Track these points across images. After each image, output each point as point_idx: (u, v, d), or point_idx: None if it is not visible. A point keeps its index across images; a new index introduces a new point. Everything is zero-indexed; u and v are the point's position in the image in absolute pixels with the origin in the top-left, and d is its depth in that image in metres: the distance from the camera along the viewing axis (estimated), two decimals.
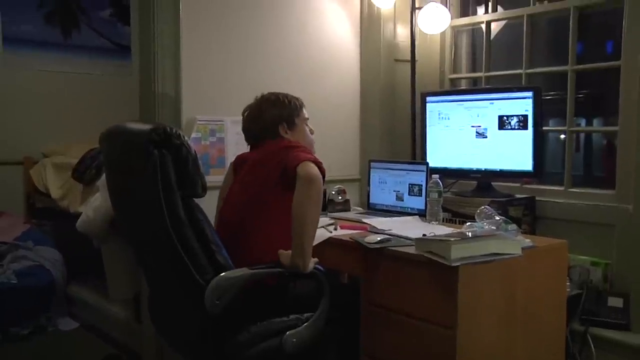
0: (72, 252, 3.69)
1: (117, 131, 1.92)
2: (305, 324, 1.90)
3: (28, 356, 3.05)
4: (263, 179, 2.04)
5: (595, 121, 3.01)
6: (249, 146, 2.28)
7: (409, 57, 3.11)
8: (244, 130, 2.26)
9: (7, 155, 4.13)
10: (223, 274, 1.74)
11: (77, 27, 4.51)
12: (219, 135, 2.71)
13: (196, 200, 1.79)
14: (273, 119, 2.19)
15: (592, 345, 2.33)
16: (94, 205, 3.08)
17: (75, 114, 4.34)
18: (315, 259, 1.91)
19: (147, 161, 1.67)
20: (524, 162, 2.62)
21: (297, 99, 2.28)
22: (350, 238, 2.22)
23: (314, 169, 1.87)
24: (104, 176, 3.11)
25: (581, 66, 2.75)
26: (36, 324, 3.31)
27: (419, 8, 3.05)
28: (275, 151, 2.08)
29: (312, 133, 2.32)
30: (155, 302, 2.12)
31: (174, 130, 1.71)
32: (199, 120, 2.64)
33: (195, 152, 1.75)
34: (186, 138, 1.74)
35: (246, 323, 1.84)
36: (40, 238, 3.75)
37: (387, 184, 2.86)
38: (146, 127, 1.74)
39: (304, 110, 2.29)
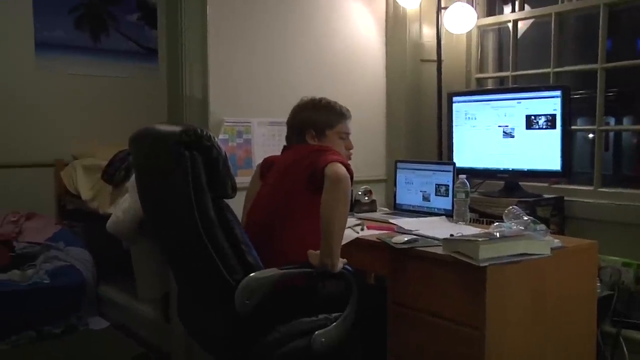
0: (102, 252, 3.76)
1: (146, 133, 1.94)
2: (334, 323, 1.89)
3: (61, 355, 3.11)
4: (292, 181, 2.04)
5: (625, 120, 2.97)
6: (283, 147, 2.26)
7: (435, 57, 3.10)
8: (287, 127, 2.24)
9: (39, 157, 4.22)
10: (253, 274, 1.75)
11: (106, 31, 4.59)
12: (245, 136, 2.73)
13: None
14: (302, 122, 2.17)
15: (624, 348, 2.30)
16: (123, 207, 3.13)
17: (105, 116, 4.41)
18: (344, 260, 1.91)
19: (178, 163, 1.69)
20: (552, 161, 2.59)
21: (344, 110, 2.21)
22: (377, 238, 2.22)
23: (342, 169, 1.86)
24: (133, 177, 3.16)
25: (611, 64, 2.71)
26: (67, 323, 3.38)
27: (445, 8, 3.04)
28: (305, 155, 2.06)
29: (348, 149, 2.23)
30: (184, 302, 2.14)
31: (204, 132, 1.72)
32: (226, 122, 2.67)
33: (225, 153, 1.76)
34: (216, 139, 1.75)
35: (275, 323, 1.84)
36: (71, 239, 3.81)
37: (414, 185, 2.85)
38: (177, 128, 1.75)
39: (345, 124, 2.21)
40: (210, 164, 1.72)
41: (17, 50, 4.21)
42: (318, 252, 1.86)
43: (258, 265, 1.78)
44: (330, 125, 2.18)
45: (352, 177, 1.91)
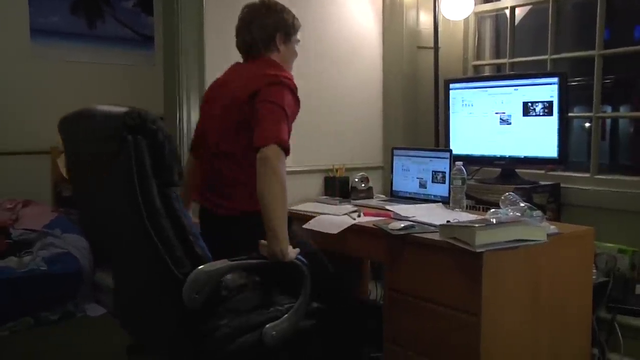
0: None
1: (83, 115, 1.77)
2: (286, 315, 1.82)
3: (58, 341, 3.11)
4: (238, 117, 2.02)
5: (621, 108, 2.97)
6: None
7: (432, 44, 3.09)
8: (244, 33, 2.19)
9: (35, 145, 4.21)
10: (201, 266, 1.64)
11: (101, 18, 4.57)
12: None
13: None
14: (276, 25, 2.14)
15: (619, 333, 2.31)
16: None
17: (100, 103, 4.39)
18: (297, 250, 1.83)
19: (121, 148, 1.55)
20: (549, 148, 2.59)
21: (292, 13, 2.24)
22: (373, 225, 2.23)
23: (275, 159, 1.82)
24: None
25: (609, 50, 2.70)
26: (64, 309, 3.38)
27: None
28: (252, 78, 2.03)
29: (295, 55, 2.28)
30: (124, 301, 2.00)
31: (149, 115, 1.59)
32: None
33: (171, 137, 1.64)
34: (162, 122, 1.62)
35: (225, 316, 1.76)
36: (68, 226, 3.81)
37: (410, 172, 2.86)
38: (119, 110, 1.61)
39: (298, 32, 2.26)
40: (155, 149, 1.58)
41: (12, 37, 4.20)
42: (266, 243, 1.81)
43: (206, 257, 1.67)
44: (295, 31, 2.21)
45: (288, 151, 1.89)
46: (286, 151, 1.89)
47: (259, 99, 1.96)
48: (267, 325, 1.78)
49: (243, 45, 2.20)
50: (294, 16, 2.24)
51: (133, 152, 1.54)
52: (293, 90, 2.05)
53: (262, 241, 1.82)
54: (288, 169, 2.87)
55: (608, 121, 2.94)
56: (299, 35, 2.28)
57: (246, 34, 2.18)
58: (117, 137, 1.55)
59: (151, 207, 1.58)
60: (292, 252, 1.82)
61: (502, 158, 2.76)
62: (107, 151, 1.63)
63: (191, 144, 2.34)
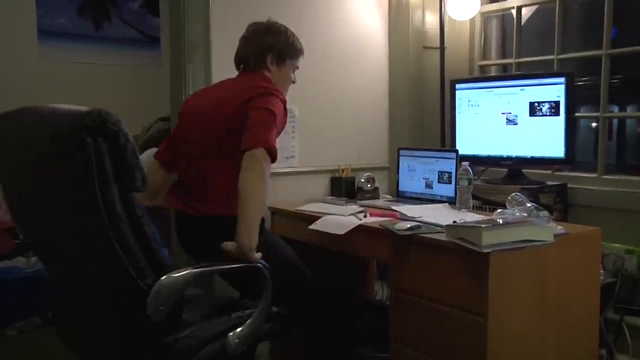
0: None
1: (31, 113, 1.64)
2: (248, 321, 1.78)
3: None
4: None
5: (628, 108, 2.96)
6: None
7: (438, 45, 3.09)
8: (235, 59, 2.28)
9: None
10: (166, 276, 1.57)
11: (108, 19, 4.58)
12: None
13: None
14: (268, 45, 2.20)
15: (627, 334, 2.30)
16: None
17: (106, 104, 4.36)
18: (259, 254, 1.83)
19: (79, 151, 1.45)
20: (556, 148, 2.58)
21: (301, 46, 2.30)
22: (380, 225, 2.23)
23: (262, 160, 1.86)
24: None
25: (616, 50, 2.69)
26: None
27: None
28: (241, 90, 2.08)
29: (293, 82, 2.33)
30: (71, 315, 1.89)
31: (110, 115, 1.50)
32: None
33: (133, 140, 1.55)
34: (124, 125, 1.53)
35: (187, 327, 1.72)
36: None
37: (416, 172, 2.85)
38: (78, 110, 1.51)
39: (300, 60, 2.31)
40: (116, 152, 1.49)
41: (20, 38, 4.21)
42: (232, 243, 1.81)
43: (170, 266, 1.61)
44: (291, 56, 2.27)
45: (275, 157, 1.93)
46: (273, 157, 1.92)
47: (250, 105, 2.00)
48: (230, 334, 1.74)
49: (237, 59, 2.27)
50: (295, 41, 2.28)
51: (93, 155, 1.45)
52: (283, 102, 2.09)
53: (226, 243, 1.82)
54: (294, 169, 2.89)
55: (615, 121, 2.93)
56: (299, 62, 2.32)
57: (242, 49, 2.25)
58: (73, 138, 1.45)
59: (113, 214, 1.49)
60: (257, 255, 1.83)
61: (508, 158, 2.75)
62: (60, 154, 1.51)
63: (160, 150, 2.35)
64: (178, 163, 2.24)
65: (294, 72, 2.32)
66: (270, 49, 2.22)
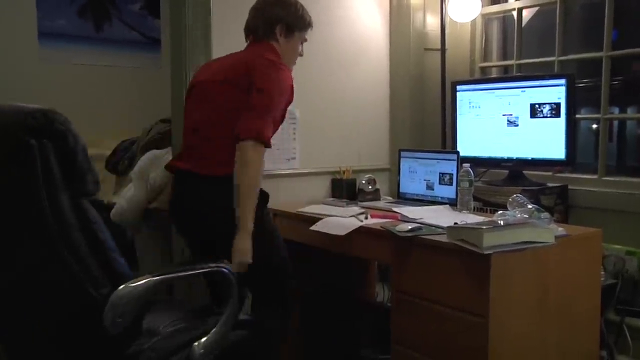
0: None
1: None
2: (213, 330, 1.70)
3: None
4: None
5: (629, 110, 2.96)
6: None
7: (439, 46, 3.09)
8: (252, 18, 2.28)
9: None
10: (123, 286, 1.46)
11: (108, 21, 4.59)
12: None
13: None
14: (276, 17, 2.21)
15: (628, 336, 2.30)
16: (127, 196, 3.14)
17: (108, 106, 4.42)
18: (225, 260, 1.81)
19: (23, 153, 1.35)
20: (557, 150, 2.58)
21: (310, 20, 2.31)
22: (381, 227, 2.23)
23: (251, 152, 1.94)
24: (136, 167, 3.17)
25: (617, 52, 2.69)
26: None
27: None
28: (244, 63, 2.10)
29: (301, 55, 2.34)
30: (13, 332, 1.68)
31: (57, 115, 1.40)
32: None
33: (84, 141, 1.45)
34: (72, 125, 1.44)
35: (149, 338, 1.65)
36: None
37: (418, 173, 2.85)
38: (20, 110, 1.41)
39: (308, 32, 2.32)
40: (65, 154, 1.39)
41: (20, 40, 4.22)
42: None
43: (128, 274, 1.51)
44: (300, 28, 2.27)
45: (268, 143, 2.00)
46: (266, 144, 1.99)
47: (254, 83, 2.03)
48: (195, 344, 1.66)
49: (247, 29, 2.29)
50: (304, 14, 2.30)
51: (38, 158, 1.35)
52: (288, 76, 2.13)
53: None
54: (295, 171, 2.89)
55: (615, 123, 2.93)
56: (307, 35, 2.32)
57: (252, 19, 2.27)
58: (16, 139, 1.36)
59: (62, 220, 1.39)
60: (246, 258, 1.91)
61: (509, 160, 2.75)
62: (3, 157, 1.41)
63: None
64: (185, 138, 2.27)
65: (302, 45, 2.33)
66: (280, 20, 2.22)
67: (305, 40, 2.34)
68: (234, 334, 1.78)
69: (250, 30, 2.28)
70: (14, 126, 1.38)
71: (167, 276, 1.63)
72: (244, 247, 1.94)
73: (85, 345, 1.53)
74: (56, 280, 1.45)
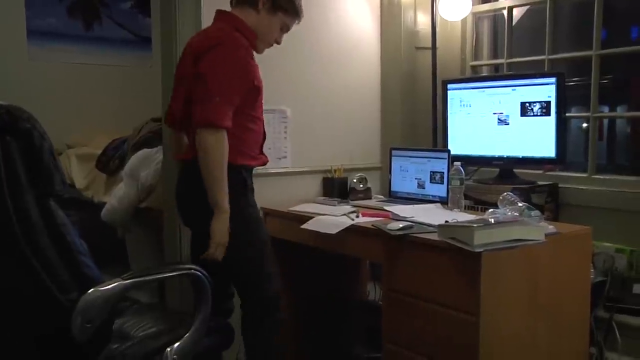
0: (96, 241, 3.74)
1: None
2: (186, 334, 1.67)
3: None
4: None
5: (618, 108, 2.98)
6: None
7: (429, 45, 3.09)
8: None
9: None
10: (92, 290, 1.42)
11: (98, 19, 4.57)
12: None
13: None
14: None
15: (617, 332, 2.32)
16: (118, 195, 3.13)
17: (98, 105, 4.40)
18: (194, 266, 1.75)
19: None
20: (547, 148, 2.60)
21: (301, 9, 2.23)
22: (372, 225, 2.23)
23: (211, 139, 1.96)
24: (127, 166, 3.16)
25: (606, 51, 2.71)
26: None
27: None
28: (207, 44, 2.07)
29: (278, 43, 2.26)
30: None
31: (22, 111, 1.36)
32: None
33: (50, 139, 1.41)
34: (38, 122, 1.40)
35: (120, 344, 1.61)
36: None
37: (409, 172, 2.86)
38: None
39: (294, 22, 2.24)
40: (30, 153, 1.35)
41: (9, 38, 4.19)
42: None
43: (96, 277, 1.47)
44: (286, 10, 2.19)
45: (224, 126, 1.99)
46: (219, 127, 1.99)
47: (198, 71, 2.03)
48: (167, 349, 1.63)
49: None
50: (297, 1, 2.22)
51: (0, 156, 1.31)
52: (241, 55, 2.08)
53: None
54: (286, 170, 2.89)
55: (605, 121, 2.95)
56: (291, 25, 2.25)
57: None
58: None
59: (26, 222, 1.34)
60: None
61: (500, 158, 2.76)
62: None
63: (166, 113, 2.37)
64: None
65: (282, 32, 2.25)
66: None
67: (288, 29, 2.26)
68: (207, 339, 1.75)
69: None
70: None
71: (137, 279, 1.56)
72: (219, 227, 1.98)
73: (54, 352, 1.49)
74: (19, 285, 1.40)
